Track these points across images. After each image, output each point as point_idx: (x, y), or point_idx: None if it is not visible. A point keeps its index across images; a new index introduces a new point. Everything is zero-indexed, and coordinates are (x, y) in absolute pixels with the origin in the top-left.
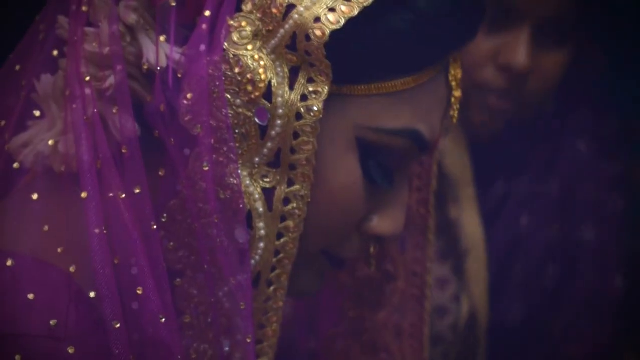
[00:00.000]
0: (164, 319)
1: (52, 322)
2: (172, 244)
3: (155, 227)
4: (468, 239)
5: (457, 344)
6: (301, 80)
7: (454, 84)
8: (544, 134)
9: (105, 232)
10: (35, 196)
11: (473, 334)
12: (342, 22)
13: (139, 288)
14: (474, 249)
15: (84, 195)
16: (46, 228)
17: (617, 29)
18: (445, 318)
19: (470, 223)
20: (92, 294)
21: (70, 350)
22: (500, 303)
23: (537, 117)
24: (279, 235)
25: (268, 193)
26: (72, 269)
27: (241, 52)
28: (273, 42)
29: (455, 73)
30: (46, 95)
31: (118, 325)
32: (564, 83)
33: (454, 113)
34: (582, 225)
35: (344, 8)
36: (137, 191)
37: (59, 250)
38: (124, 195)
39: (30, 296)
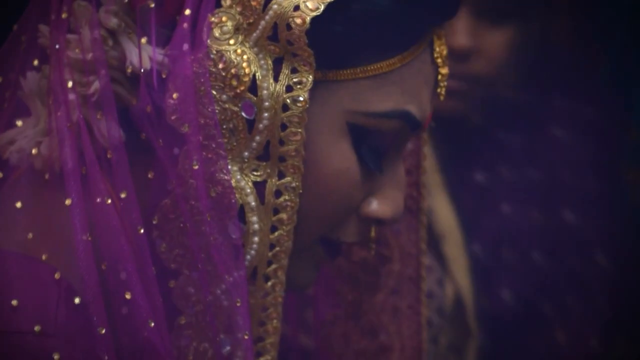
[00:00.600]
0: (153, 324)
1: (39, 320)
2: (165, 244)
3: (142, 231)
4: (441, 224)
5: (446, 328)
6: (285, 71)
7: (439, 60)
8: (521, 121)
9: (90, 238)
10: (19, 204)
11: (461, 319)
12: (322, 8)
13: (127, 293)
14: (449, 233)
15: (67, 202)
16: (32, 231)
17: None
18: (430, 302)
19: (441, 208)
20: (77, 300)
21: (59, 348)
22: (490, 289)
23: (512, 105)
24: (273, 229)
25: (259, 186)
26: (56, 276)
27: (224, 48)
28: (255, 34)
29: (440, 50)
30: (31, 92)
31: (103, 331)
32: (533, 67)
33: (441, 90)
34: (563, 209)
35: None
36: (124, 196)
37: (45, 253)
38: (110, 201)
39: (19, 293)
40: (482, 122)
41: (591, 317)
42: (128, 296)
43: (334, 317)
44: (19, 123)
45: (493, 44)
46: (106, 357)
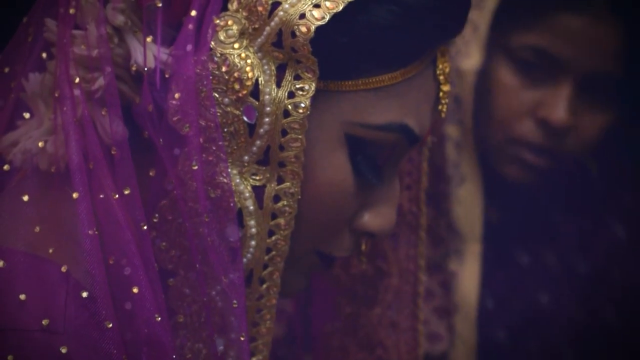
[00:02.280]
0: (159, 318)
1: (47, 317)
2: (164, 243)
3: (145, 227)
4: (460, 296)
5: None
6: (288, 77)
7: (441, 78)
8: (582, 210)
9: (97, 232)
10: (25, 198)
11: None
12: (327, 17)
13: (132, 288)
14: (464, 307)
15: (75, 195)
16: (37, 229)
17: None
18: None
19: (467, 280)
20: (84, 294)
21: (66, 346)
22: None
23: (577, 192)
24: (270, 233)
25: (258, 191)
26: (63, 269)
27: (228, 51)
28: (259, 40)
29: (443, 67)
30: (34, 94)
31: (111, 325)
32: (607, 156)
33: (443, 107)
34: (606, 309)
35: (328, 4)
36: (127, 192)
37: (50, 250)
38: (117, 196)
39: (26, 290)
40: (543, 199)
41: None
42: (135, 290)
43: (331, 330)
44: (20, 123)
45: (591, 124)
46: (114, 351)
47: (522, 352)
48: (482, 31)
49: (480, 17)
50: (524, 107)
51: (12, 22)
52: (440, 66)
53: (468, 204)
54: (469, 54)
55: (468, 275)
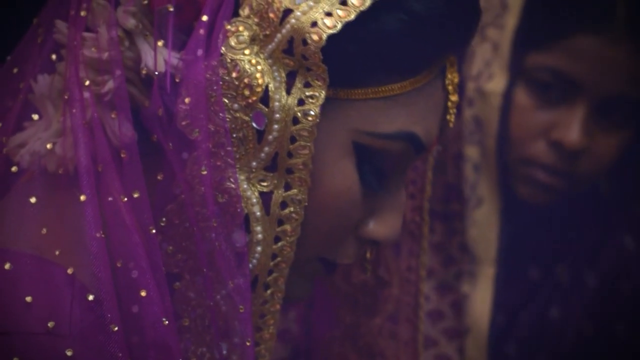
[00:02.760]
0: (166, 322)
1: (52, 320)
2: (170, 247)
3: (154, 231)
4: (471, 318)
5: None
6: (298, 84)
7: (450, 88)
8: (593, 223)
9: (104, 235)
10: (33, 199)
11: None
12: (339, 26)
13: (142, 291)
14: (475, 330)
15: (82, 198)
16: (44, 231)
17: None
18: None
19: (479, 302)
20: (90, 297)
21: (72, 349)
22: None
23: (588, 205)
24: (277, 239)
25: (265, 197)
26: (69, 271)
27: (238, 57)
28: (270, 46)
29: (452, 77)
30: (42, 96)
31: (116, 329)
32: (618, 173)
33: (451, 117)
34: (617, 324)
35: (340, 12)
36: (136, 195)
37: (57, 252)
38: (125, 199)
39: (31, 294)
40: (553, 213)
41: None
42: (143, 293)
43: (331, 339)
44: (27, 125)
45: (605, 146)
46: (119, 354)
47: (537, 349)
48: (504, 51)
49: (501, 37)
50: (538, 127)
51: (12, 22)
52: (449, 76)
53: (484, 227)
54: (492, 75)
55: (480, 298)
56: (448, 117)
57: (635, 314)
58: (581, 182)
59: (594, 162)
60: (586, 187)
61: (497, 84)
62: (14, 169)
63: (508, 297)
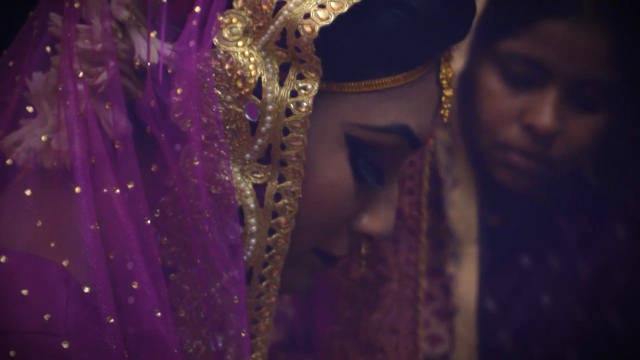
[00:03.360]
0: (159, 313)
1: (46, 318)
2: (164, 239)
3: (149, 222)
4: (459, 298)
5: None
6: (291, 76)
7: (444, 82)
8: (582, 213)
9: (99, 227)
10: (28, 192)
11: None
12: (332, 18)
13: (134, 283)
14: (464, 309)
15: (77, 190)
16: (39, 223)
17: None
18: None
19: (465, 282)
20: (86, 289)
21: (66, 345)
22: None
23: (575, 195)
24: (271, 231)
25: (259, 189)
26: (64, 263)
27: (231, 49)
28: (263, 38)
29: (447, 72)
30: (37, 93)
31: (112, 321)
32: (606, 158)
33: (445, 112)
34: (609, 312)
35: (333, 4)
36: (131, 186)
37: (52, 244)
38: (118, 191)
39: (25, 292)
40: (543, 203)
41: None
42: (135, 286)
43: (332, 334)
44: (23, 122)
45: (578, 129)
46: (114, 346)
47: (525, 352)
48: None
49: None
50: (511, 112)
51: (12, 22)
52: (444, 71)
53: (462, 207)
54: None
55: (466, 277)
56: (442, 111)
57: (628, 302)
58: (558, 166)
59: (569, 145)
60: (565, 172)
61: (456, 66)
62: (8, 161)
63: (499, 283)
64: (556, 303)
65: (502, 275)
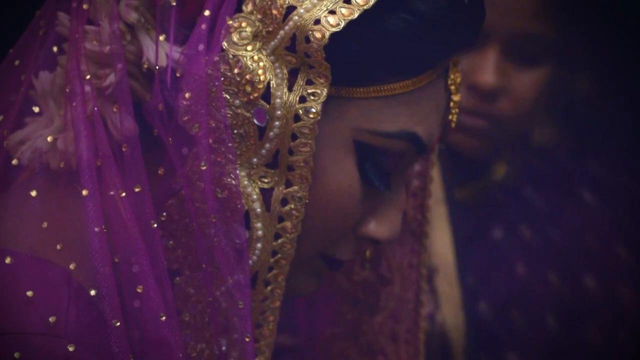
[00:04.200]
0: (164, 317)
1: (51, 320)
2: (170, 242)
3: (155, 225)
4: (437, 258)
5: None
6: (300, 81)
7: (452, 88)
8: (550, 183)
9: (105, 230)
10: (34, 193)
11: (445, 357)
12: (342, 24)
13: (139, 286)
14: (443, 268)
15: (84, 192)
16: (45, 224)
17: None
18: None
19: (439, 241)
20: (92, 292)
21: (70, 348)
22: (499, 351)
23: (543, 162)
24: (277, 236)
25: (266, 194)
26: (72, 266)
27: (240, 53)
28: (273, 43)
29: (455, 77)
30: (44, 93)
31: (118, 324)
32: (570, 126)
33: (453, 117)
34: (584, 276)
35: (344, 10)
36: (137, 190)
37: (58, 247)
38: (124, 194)
39: (29, 294)
40: (507, 174)
41: None
42: (140, 289)
43: (333, 336)
44: (28, 120)
45: (521, 84)
46: (119, 350)
47: (507, 319)
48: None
49: None
50: None
51: (12, 22)
52: (452, 76)
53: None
54: None
55: (440, 236)
56: (450, 117)
57: (603, 265)
58: (506, 123)
59: (515, 102)
60: (514, 130)
61: None
62: (14, 162)
63: (475, 257)
64: (532, 274)
65: (483, 257)
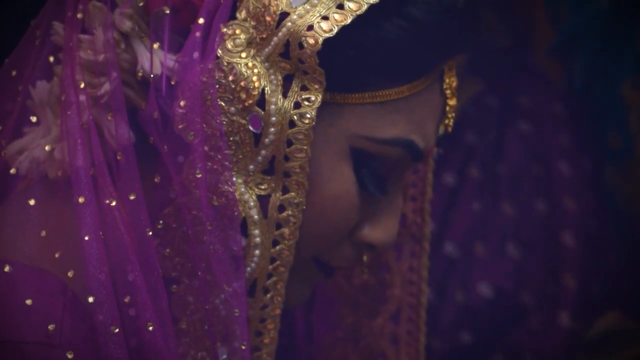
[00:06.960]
0: (152, 327)
1: (50, 328)
2: (167, 250)
3: (150, 233)
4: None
5: None
6: (295, 88)
7: (448, 92)
8: (486, 121)
9: (102, 237)
10: (32, 202)
11: None
12: (335, 30)
13: (128, 296)
14: None
15: (81, 200)
16: (43, 233)
17: None
18: None
19: None
20: (90, 299)
21: (70, 355)
22: (465, 284)
23: (475, 104)
24: (275, 243)
25: (263, 200)
26: (70, 274)
27: (235, 60)
28: (267, 50)
29: (450, 82)
30: (41, 102)
31: (117, 331)
32: (537, 101)
33: (449, 122)
34: (535, 200)
35: (337, 16)
36: (132, 198)
37: (56, 255)
38: (114, 203)
39: (28, 302)
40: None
41: (564, 300)
42: (126, 300)
43: (333, 339)
44: (26, 130)
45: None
46: (117, 357)
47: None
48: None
49: None
50: None
51: (12, 22)
52: (447, 80)
53: None
54: None
55: None
56: (446, 121)
57: (582, 225)
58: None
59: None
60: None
61: None
62: (12, 171)
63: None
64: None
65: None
